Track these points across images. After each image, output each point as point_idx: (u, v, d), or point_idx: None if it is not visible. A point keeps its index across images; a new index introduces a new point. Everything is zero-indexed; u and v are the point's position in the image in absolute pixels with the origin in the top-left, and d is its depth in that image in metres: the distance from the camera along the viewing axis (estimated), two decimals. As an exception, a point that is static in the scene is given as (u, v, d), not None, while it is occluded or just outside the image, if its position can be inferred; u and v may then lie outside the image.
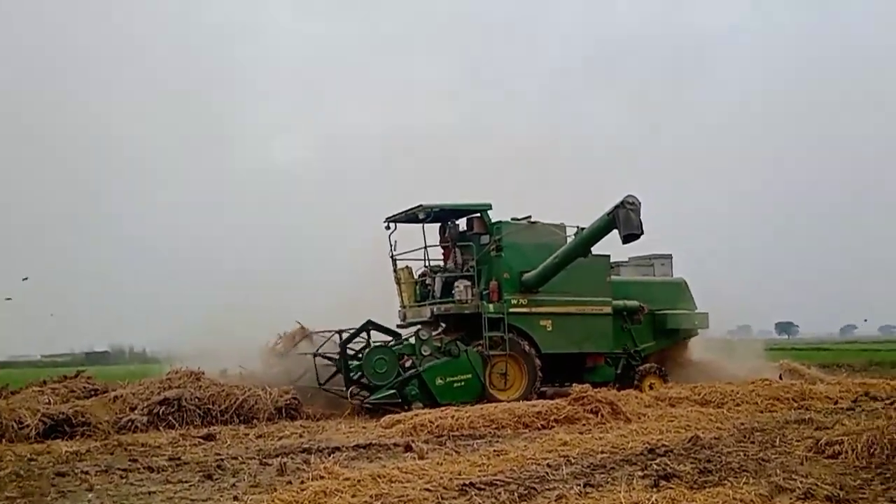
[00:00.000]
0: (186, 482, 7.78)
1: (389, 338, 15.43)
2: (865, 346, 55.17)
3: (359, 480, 7.05)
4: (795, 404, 13.44)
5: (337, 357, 14.71)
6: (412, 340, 14.90)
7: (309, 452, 9.43)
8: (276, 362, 16.00)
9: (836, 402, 13.62)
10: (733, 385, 14.93)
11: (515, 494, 6.57)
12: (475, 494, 6.65)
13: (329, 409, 14.48)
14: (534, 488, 6.82)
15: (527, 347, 15.62)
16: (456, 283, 15.75)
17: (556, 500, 6.25)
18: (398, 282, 17.08)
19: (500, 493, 6.64)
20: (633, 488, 6.42)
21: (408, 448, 9.51)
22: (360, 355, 14.72)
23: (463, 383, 14.52)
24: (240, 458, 9.15)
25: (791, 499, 5.98)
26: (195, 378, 14.04)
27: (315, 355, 14.76)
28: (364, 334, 15.09)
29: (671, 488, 6.17)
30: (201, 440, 10.93)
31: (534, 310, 15.92)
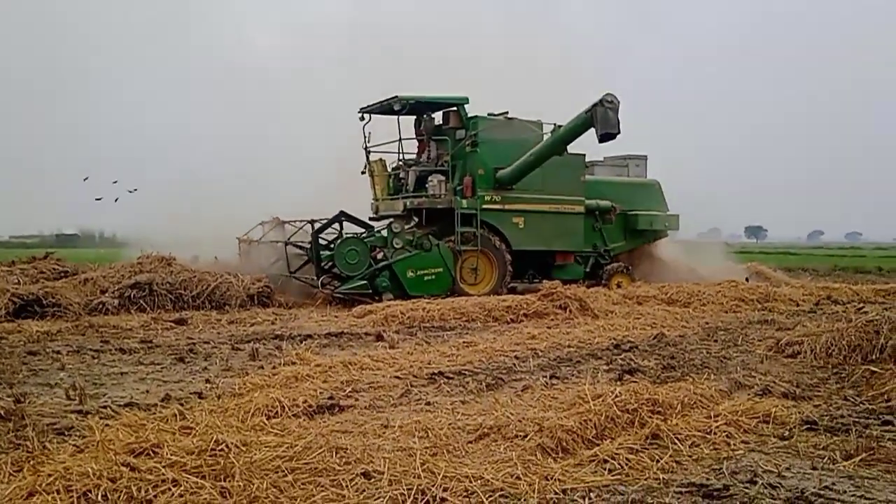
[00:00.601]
0: (158, 364, 7.85)
1: (361, 229, 15.49)
2: (831, 252, 56.40)
3: (330, 367, 7.16)
4: (759, 305, 13.77)
5: (308, 246, 14.76)
6: (384, 233, 14.93)
7: (281, 339, 9.52)
8: (248, 249, 16.05)
9: (798, 305, 13.97)
10: (700, 285, 15.24)
11: (483, 384, 6.72)
12: (444, 383, 6.79)
13: (301, 299, 14.60)
14: (501, 378, 6.98)
15: (498, 243, 15.73)
16: (430, 178, 15.67)
17: (522, 391, 6.40)
18: (371, 174, 16.93)
19: (468, 383, 6.78)
20: (598, 381, 6.59)
21: (379, 337, 9.64)
22: (332, 246, 14.78)
23: (433, 276, 14.67)
24: (211, 343, 9.22)
25: (749, 395, 6.16)
26: (166, 263, 14.01)
27: (286, 244, 14.80)
28: (336, 225, 15.13)
29: (634, 382, 6.33)
30: (173, 324, 10.98)
31: (507, 206, 15.97)
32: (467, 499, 3.82)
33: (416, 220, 15.47)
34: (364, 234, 15.18)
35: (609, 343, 9.11)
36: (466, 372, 7.25)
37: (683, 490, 3.98)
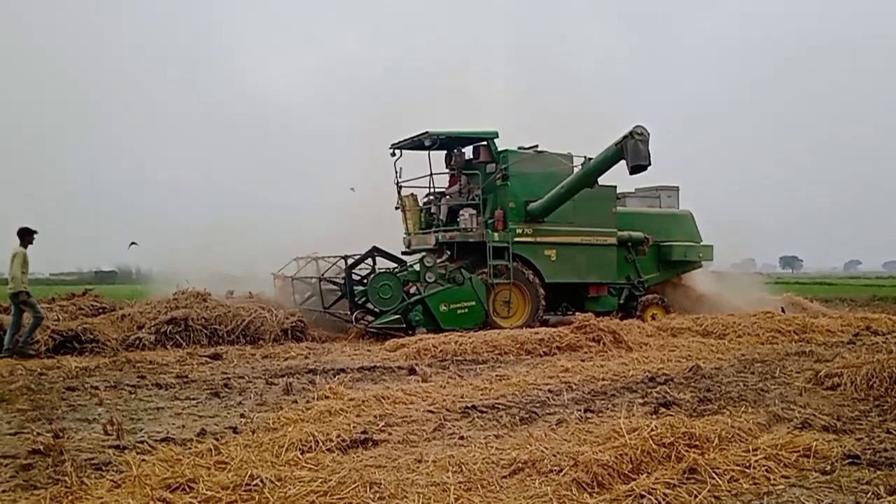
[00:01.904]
0: (194, 399, 7.93)
1: (394, 264, 15.60)
2: (869, 282, 55.35)
3: (363, 401, 7.18)
4: (796, 337, 13.53)
5: (342, 282, 14.86)
6: (417, 267, 15.00)
7: (314, 373, 9.57)
8: (282, 285, 16.22)
9: (836, 336, 13.70)
10: (735, 317, 15.02)
11: (517, 418, 6.68)
12: (477, 416, 6.76)
13: (334, 333, 14.69)
14: (535, 412, 6.93)
15: (531, 276, 15.70)
16: (461, 212, 15.72)
17: (556, 425, 6.35)
18: (403, 209, 17.07)
19: (501, 416, 6.75)
20: (633, 414, 6.50)
21: (412, 371, 9.64)
22: (365, 281, 14.87)
23: (466, 310, 14.67)
24: (246, 378, 9.29)
25: (788, 428, 6.04)
26: (202, 298, 14.20)
27: (320, 280, 14.97)
28: (369, 260, 15.30)
29: (671, 415, 6.24)
30: (208, 359, 11.10)
31: (538, 239, 15.96)
32: (502, 534, 3.79)
33: (448, 253, 15.52)
34: (397, 269, 15.27)
35: (644, 376, 9.01)
36: (500, 406, 7.21)
37: (723, 526, 3.91)
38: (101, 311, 14.89)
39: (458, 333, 12.91)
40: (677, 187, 20.25)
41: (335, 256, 15.34)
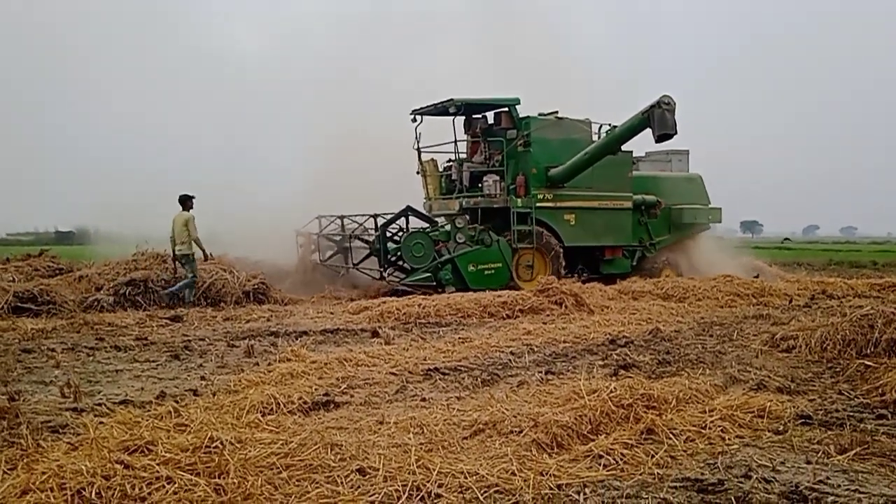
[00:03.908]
0: (153, 361, 7.85)
1: (426, 224, 15.94)
2: (826, 247, 56.50)
3: (325, 363, 7.17)
4: (754, 300, 13.77)
5: (371, 240, 15.20)
6: (447, 227, 15.30)
7: (276, 336, 9.53)
8: (306, 242, 16.68)
9: (793, 300, 13.98)
10: (695, 280, 15.28)
11: (478, 380, 6.72)
12: (439, 378, 6.80)
13: (297, 295, 14.65)
14: (496, 374, 6.99)
15: (551, 240, 16.06)
16: (485, 178, 16.01)
17: (517, 386, 6.41)
18: (423, 174, 17.33)
19: (463, 378, 6.79)
20: (593, 376, 6.59)
21: (375, 334, 9.64)
22: (371, 240, 15.26)
23: (493, 271, 15.06)
24: (207, 340, 9.22)
25: (744, 389, 6.17)
26: (161, 260, 14.00)
27: (350, 237, 15.50)
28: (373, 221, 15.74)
29: (630, 377, 6.33)
30: (168, 321, 10.98)
31: (558, 204, 16.34)
32: (462, 495, 3.82)
33: (469, 218, 15.71)
34: (429, 229, 15.52)
35: (604, 338, 9.12)
36: (462, 368, 7.26)
37: (678, 485, 3.98)
38: (57, 272, 14.65)
39: (421, 296, 12.95)
40: (687, 151, 20.79)
41: (363, 215, 15.84)
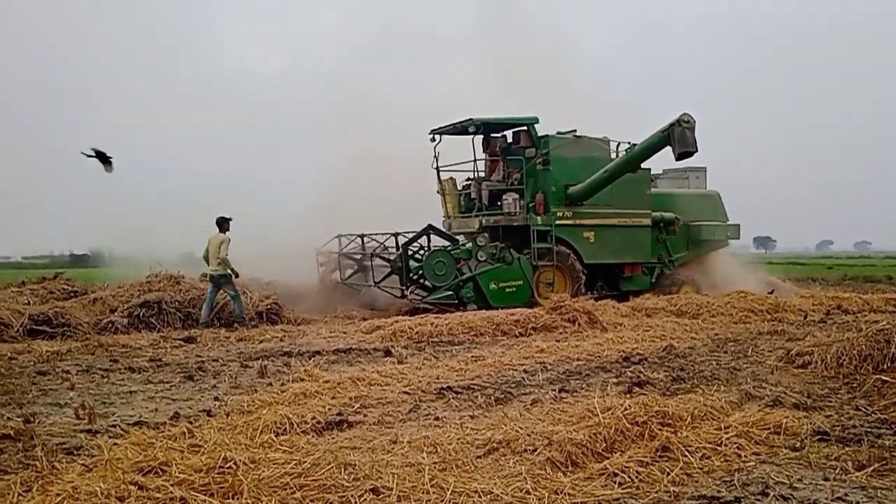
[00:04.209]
0: (167, 382, 7.87)
1: (447, 242, 16.11)
2: (840, 262, 56.13)
3: (338, 383, 7.16)
4: (769, 316, 13.68)
5: (393, 258, 15.33)
6: (468, 246, 15.38)
7: (289, 356, 9.54)
8: (326, 261, 16.92)
9: (808, 315, 13.88)
10: (709, 297, 15.20)
11: (492, 398, 6.70)
12: (452, 398, 6.78)
13: (311, 315, 14.69)
14: (510, 392, 6.96)
15: (571, 258, 16.12)
16: (504, 196, 16.14)
17: (531, 405, 6.38)
18: (442, 193, 17.43)
19: (476, 397, 6.77)
20: (607, 394, 6.55)
21: (387, 353, 9.64)
22: (392, 258, 15.40)
23: (514, 289, 15.09)
24: (220, 361, 9.23)
25: (759, 406, 6.12)
26: (175, 281, 14.07)
27: (372, 256, 15.59)
28: (412, 239, 15.79)
29: (644, 394, 6.29)
30: (182, 342, 11.02)
31: (578, 222, 16.37)
32: (476, 514, 3.80)
33: (489, 236, 15.83)
34: (450, 247, 15.64)
35: (618, 356, 9.07)
36: (475, 386, 7.24)
37: (694, 503, 3.95)
38: (72, 294, 14.76)
39: (434, 315, 12.95)
40: (704, 168, 20.81)
41: (383, 234, 16.02)
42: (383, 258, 15.61)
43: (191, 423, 5.68)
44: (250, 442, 4.99)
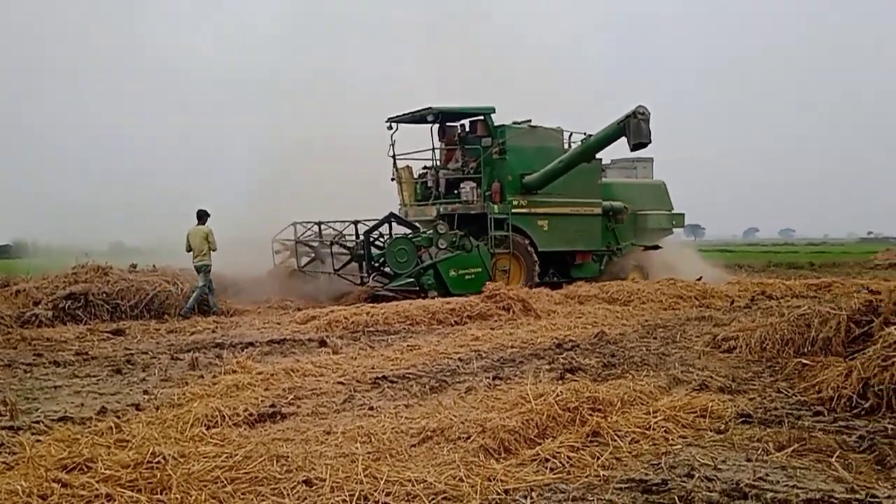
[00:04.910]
0: (94, 376, 7.66)
1: (408, 230, 16.21)
2: (765, 249, 57.96)
3: (272, 374, 7.10)
4: (697, 302, 14.04)
5: (352, 246, 15.39)
6: (429, 233, 15.46)
7: (221, 347, 9.40)
8: (282, 249, 16.91)
9: (734, 301, 14.28)
10: (639, 284, 15.52)
11: (427, 387, 6.72)
12: (387, 387, 6.78)
13: (244, 306, 14.47)
14: (444, 381, 6.99)
15: (527, 246, 16.42)
16: (462, 184, 16.33)
17: (465, 393, 6.42)
18: (399, 181, 17.53)
19: (411, 386, 6.78)
20: (540, 381, 6.64)
21: (322, 343, 9.58)
22: (352, 246, 15.47)
23: (473, 276, 15.24)
24: (150, 353, 9.04)
25: (687, 390, 6.29)
26: (103, 272, 13.68)
27: (331, 243, 15.69)
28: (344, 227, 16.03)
29: (576, 380, 6.40)
30: (110, 335, 10.74)
31: (533, 210, 16.70)
32: (410, 503, 3.81)
33: (442, 223, 15.86)
34: (411, 235, 15.68)
35: (551, 343, 9.20)
36: (410, 375, 7.25)
37: (623, 486, 4.04)
38: (-8, 287, 14.20)
39: (370, 304, 12.92)
40: (651, 159, 21.29)
41: (341, 222, 16.07)
42: (343, 245, 15.70)
43: (118, 417, 5.56)
44: (180, 436, 4.91)
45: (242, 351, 9.09)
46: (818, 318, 7.73)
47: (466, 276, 15.21)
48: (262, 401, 6.08)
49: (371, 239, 15.54)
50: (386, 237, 15.68)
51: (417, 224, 16.78)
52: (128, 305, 12.93)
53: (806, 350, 7.45)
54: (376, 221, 15.60)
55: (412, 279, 14.78)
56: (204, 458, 4.21)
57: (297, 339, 10.05)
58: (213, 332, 11.26)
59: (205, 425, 5.25)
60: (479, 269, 15.39)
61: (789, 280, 18.51)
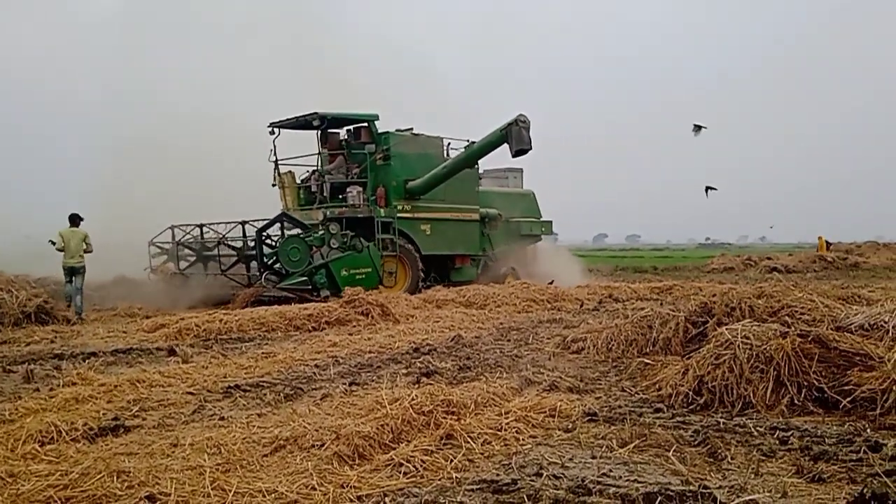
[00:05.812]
0: (-88, 393, 7.02)
1: (299, 230, 15.83)
2: (613, 254, 60.79)
3: (115, 386, 6.75)
4: (549, 305, 14.54)
5: (240, 247, 15.16)
6: (321, 233, 15.38)
7: (61, 358, 8.86)
8: (160, 252, 16.73)
9: (584, 304, 14.89)
10: (495, 287, 15.91)
11: (281, 395, 6.59)
12: (239, 396, 6.60)
13: (91, 314, 13.74)
14: (300, 388, 6.88)
15: (411, 249, 16.83)
16: (349, 189, 16.57)
17: (321, 399, 6.34)
18: (282, 186, 17.59)
19: (265, 394, 6.63)
20: (397, 385, 6.66)
21: (171, 352, 9.21)
22: (239, 247, 15.25)
23: (364, 275, 15.49)
24: (-21, 366, 8.38)
25: (538, 391, 6.48)
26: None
27: (219, 243, 15.49)
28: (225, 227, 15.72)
29: (432, 384, 6.46)
30: (-68, 347, 9.89)
31: (416, 215, 17.25)
32: (260, 514, 3.72)
33: (339, 225, 15.82)
34: (304, 234, 15.41)
35: (409, 347, 9.26)
36: (264, 384, 7.08)
37: (475, 487, 4.10)
38: None
39: (224, 311, 12.56)
40: (521, 169, 22.48)
41: (225, 223, 15.74)
42: (231, 246, 15.43)
43: (-61, 437, 5.11)
44: (10, 454, 4.57)
45: (84, 361, 8.59)
46: (659, 319, 8.20)
47: (357, 276, 15.45)
48: (103, 414, 5.78)
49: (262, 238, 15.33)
50: (277, 237, 15.54)
51: (308, 224, 16.71)
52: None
53: (648, 350, 7.88)
54: (267, 221, 15.40)
55: (305, 278, 14.82)
56: (36, 476, 3.95)
57: (144, 348, 9.62)
58: (52, 341, 10.60)
59: (38, 441, 4.91)
60: (370, 269, 15.70)
61: (634, 283, 19.55)
